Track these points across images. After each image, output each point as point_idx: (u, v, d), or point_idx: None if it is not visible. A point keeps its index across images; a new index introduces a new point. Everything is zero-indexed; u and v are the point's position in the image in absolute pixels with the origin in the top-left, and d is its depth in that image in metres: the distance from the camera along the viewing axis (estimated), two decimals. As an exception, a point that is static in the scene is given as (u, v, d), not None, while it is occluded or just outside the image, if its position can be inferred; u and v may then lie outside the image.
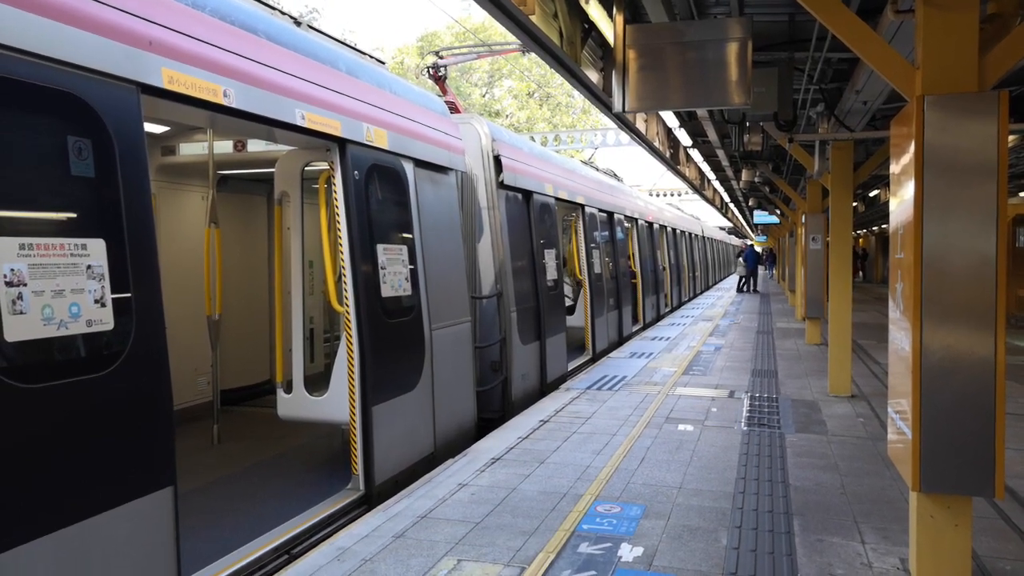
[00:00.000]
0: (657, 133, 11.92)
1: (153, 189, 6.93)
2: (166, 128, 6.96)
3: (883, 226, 34.32)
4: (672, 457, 6.18)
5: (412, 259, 6.15)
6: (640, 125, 10.52)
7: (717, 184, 20.17)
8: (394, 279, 5.82)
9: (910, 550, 3.88)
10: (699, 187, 20.27)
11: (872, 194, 22.94)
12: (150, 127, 6.71)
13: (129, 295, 3.32)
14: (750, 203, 24.39)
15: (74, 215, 3.17)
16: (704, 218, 40.55)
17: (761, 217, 28.35)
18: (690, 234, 27.20)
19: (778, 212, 25.40)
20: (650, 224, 18.39)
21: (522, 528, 4.63)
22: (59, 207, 3.12)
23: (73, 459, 3.05)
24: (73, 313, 3.06)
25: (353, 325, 5.35)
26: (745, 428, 7.17)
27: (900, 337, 3.80)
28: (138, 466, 3.36)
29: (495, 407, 8.31)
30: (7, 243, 2.85)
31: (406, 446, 5.91)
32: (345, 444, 5.54)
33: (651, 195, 37.85)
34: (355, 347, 5.34)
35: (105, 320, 3.20)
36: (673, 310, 21.58)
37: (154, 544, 3.45)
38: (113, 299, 3.24)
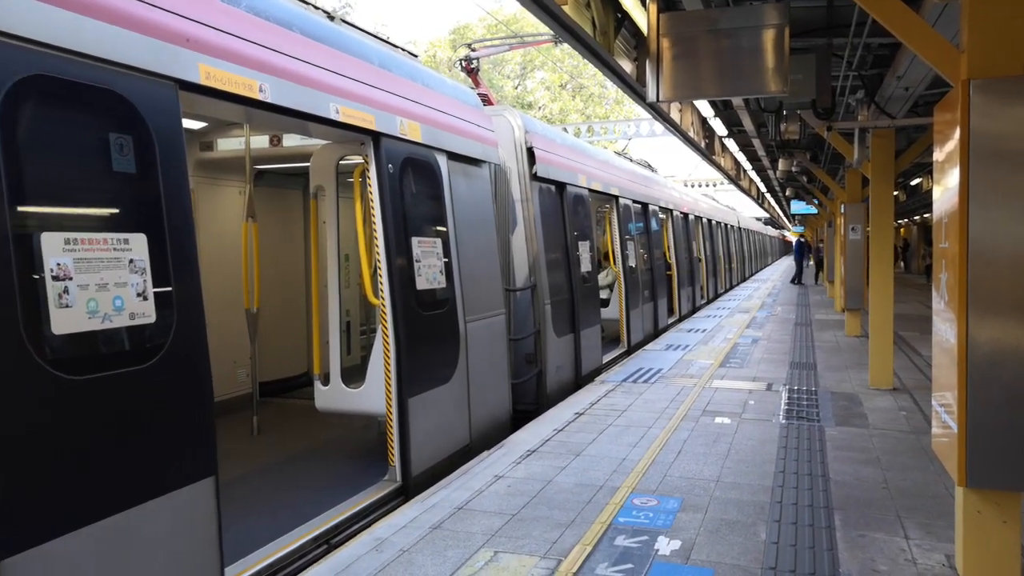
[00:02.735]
0: (692, 123, 11.78)
1: (192, 184, 7.06)
2: (204, 124, 7.06)
3: (926, 215, 33.56)
4: (709, 450, 6.13)
5: (446, 252, 6.17)
6: (674, 115, 10.40)
7: (753, 174, 19.90)
8: (429, 272, 5.84)
9: (956, 547, 3.79)
10: (735, 177, 20.02)
11: (914, 183, 22.44)
12: (188, 123, 6.81)
13: (170, 289, 3.38)
14: (787, 193, 24.01)
15: (116, 210, 3.23)
16: (740, 209, 40.01)
17: (798, 207, 27.92)
18: (726, 225, 26.88)
19: (816, 202, 24.98)
20: (685, 215, 18.21)
21: (558, 520, 4.63)
22: (102, 202, 3.18)
23: (118, 449, 3.12)
24: (117, 306, 3.12)
25: (388, 318, 5.38)
26: (783, 421, 7.08)
27: (944, 329, 3.71)
28: (180, 456, 3.42)
29: (530, 400, 8.32)
30: (53, 238, 2.91)
31: (442, 438, 5.94)
32: (382, 436, 5.59)
33: (686, 186, 37.46)
34: (391, 339, 5.38)
35: (147, 313, 3.26)
36: (709, 302, 21.36)
37: (197, 533, 3.51)
38: (155, 293, 3.30)
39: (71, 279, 2.94)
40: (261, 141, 7.06)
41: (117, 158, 3.20)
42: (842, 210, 13.71)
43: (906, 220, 40.25)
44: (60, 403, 2.89)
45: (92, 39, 3.11)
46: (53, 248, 2.90)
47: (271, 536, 4.48)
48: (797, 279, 28.65)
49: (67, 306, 2.92)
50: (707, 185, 48.49)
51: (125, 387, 3.16)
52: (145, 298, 3.25)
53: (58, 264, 2.91)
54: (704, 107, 9.87)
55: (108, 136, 3.18)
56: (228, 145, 7.32)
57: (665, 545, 4.23)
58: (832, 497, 4.99)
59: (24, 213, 2.85)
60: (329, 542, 4.63)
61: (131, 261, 3.20)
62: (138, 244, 3.24)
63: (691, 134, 11.69)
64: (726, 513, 4.72)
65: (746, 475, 5.47)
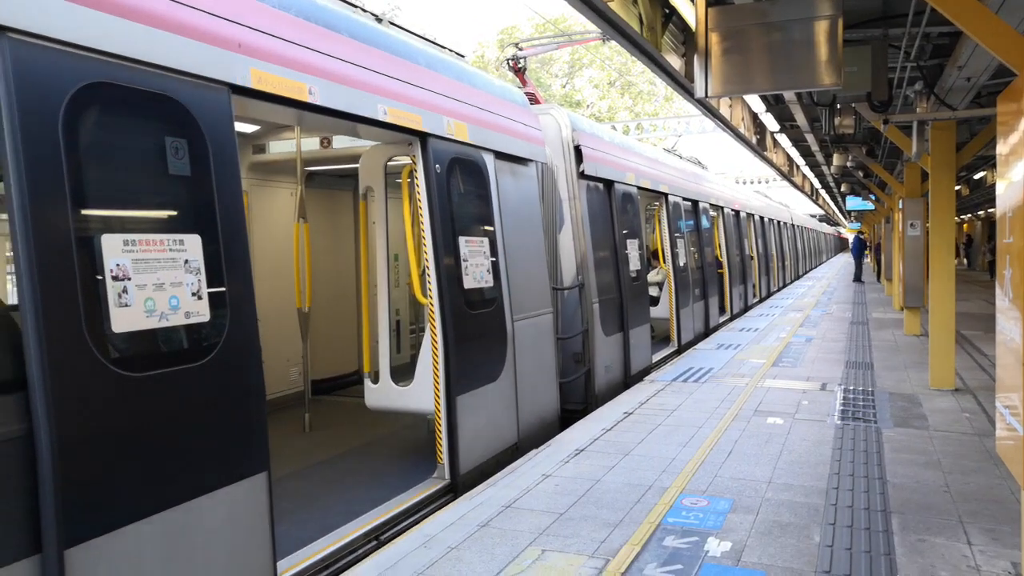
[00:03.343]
0: (742, 118, 11.58)
1: (245, 186, 7.22)
2: (256, 127, 7.22)
3: (990, 210, 32.37)
4: (761, 451, 6.01)
5: (493, 251, 6.18)
6: (724, 111, 10.24)
7: (807, 170, 19.45)
8: (476, 271, 5.86)
9: (1023, 554, 3.65)
10: (787, 173, 19.60)
11: (978, 176, 21.65)
12: (242, 126, 6.97)
13: (223, 288, 3.46)
14: (842, 189, 23.42)
15: (172, 212, 3.32)
16: (793, 205, 39.21)
17: (854, 203, 27.25)
18: (779, 222, 26.37)
19: (873, 198, 24.31)
20: (736, 212, 17.92)
21: (606, 520, 4.60)
22: (158, 205, 3.28)
23: (173, 445, 3.21)
24: (173, 305, 3.21)
25: (437, 317, 5.42)
26: (838, 422, 6.91)
27: (1010, 327, 3.57)
28: (234, 452, 3.51)
29: (578, 399, 8.28)
30: (113, 239, 3.01)
31: (490, 436, 5.96)
32: (431, 433, 5.64)
33: (737, 182, 36.87)
34: (439, 338, 5.42)
35: (202, 312, 3.35)
36: (762, 300, 20.98)
37: (250, 527, 3.59)
38: (209, 292, 3.39)
39: (130, 279, 3.04)
40: (312, 143, 7.18)
41: (173, 161, 3.30)
42: (900, 206, 13.32)
43: (969, 215, 38.90)
44: (119, 399, 2.99)
45: (150, 47, 3.21)
46: (113, 249, 3.00)
47: (322, 531, 4.55)
48: (857, 276, 27.98)
49: (126, 305, 3.02)
50: (759, 182, 47.63)
51: (180, 384, 3.25)
52: (200, 297, 3.34)
53: (117, 265, 3.00)
54: (755, 102, 9.69)
55: (164, 140, 3.27)
56: (280, 148, 7.48)
57: (715, 546, 4.17)
58: (890, 500, 4.85)
59: (86, 216, 2.96)
60: (379, 538, 4.69)
61: (186, 261, 3.29)
62: (193, 245, 3.33)
63: (741, 130, 11.50)
64: (778, 515, 4.63)
65: (799, 476, 5.36)
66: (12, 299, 2.82)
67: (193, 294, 3.31)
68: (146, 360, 3.12)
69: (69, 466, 2.77)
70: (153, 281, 3.13)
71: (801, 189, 26.10)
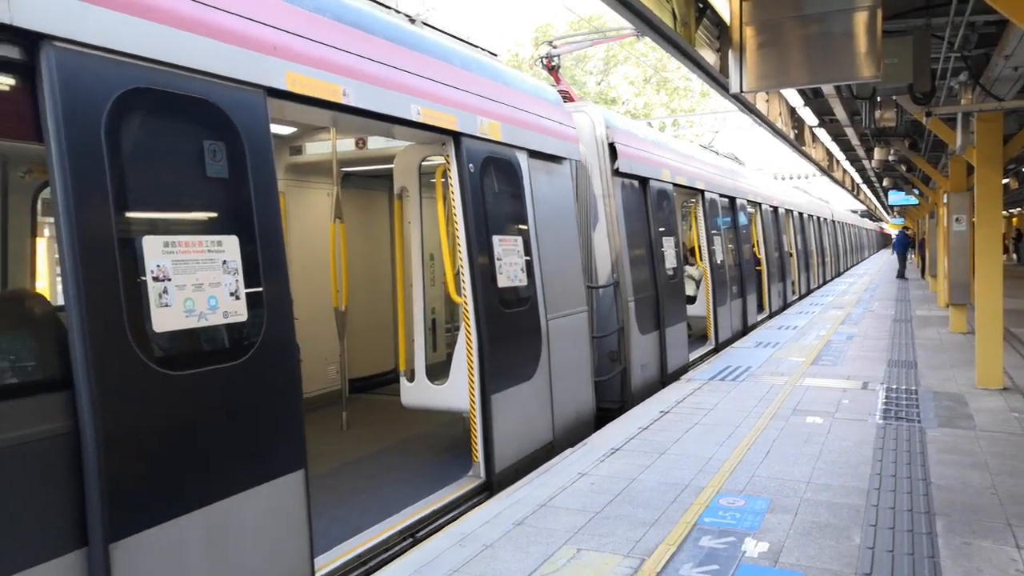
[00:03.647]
0: (780, 113, 11.41)
1: (282, 187, 7.32)
2: (293, 129, 7.31)
3: (1039, 203, 31.42)
4: (800, 450, 5.92)
5: (527, 249, 6.18)
6: (761, 106, 10.10)
7: (847, 165, 19.08)
8: (510, 270, 5.87)
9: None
10: (827, 168, 19.26)
11: (1026, 169, 21.03)
12: (279, 128, 7.07)
13: (260, 288, 3.52)
14: (884, 183, 22.92)
15: (210, 214, 3.39)
16: (833, 201, 38.49)
17: (897, 198, 26.65)
18: (818, 218, 25.91)
19: (916, 192, 23.76)
20: (775, 208, 17.66)
21: (642, 519, 4.57)
22: (197, 207, 3.35)
23: (213, 442, 3.27)
24: (211, 305, 3.27)
25: (471, 315, 5.44)
26: (880, 421, 6.77)
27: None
28: (272, 449, 3.56)
29: (614, 397, 8.24)
30: (154, 241, 3.08)
31: (525, 434, 5.96)
32: (466, 432, 5.66)
33: (775, 178, 36.33)
34: (473, 337, 5.44)
35: (239, 312, 3.41)
36: (801, 298, 20.64)
37: (288, 523, 3.65)
38: (246, 292, 3.44)
39: (170, 280, 3.11)
40: (347, 144, 7.26)
41: (210, 164, 3.36)
42: (945, 200, 13.00)
43: (1018, 209, 37.79)
44: (160, 397, 3.05)
45: (187, 52, 3.28)
46: (154, 251, 3.07)
47: (359, 528, 4.60)
48: (901, 273, 27.35)
49: (166, 305, 3.08)
50: (798, 177, 46.87)
51: (219, 382, 3.31)
52: (237, 297, 3.40)
53: (158, 266, 3.07)
54: (792, 96, 9.54)
55: (202, 143, 3.33)
56: (316, 149, 7.57)
57: (752, 547, 4.12)
58: (934, 502, 4.74)
59: (128, 218, 3.03)
60: (414, 535, 4.72)
61: (224, 262, 3.35)
62: (230, 246, 3.39)
63: (779, 125, 11.32)
64: (817, 516, 4.55)
65: (839, 477, 5.26)
66: (60, 300, 2.90)
67: (231, 294, 3.37)
68: (186, 359, 3.19)
69: (113, 462, 2.84)
70: (192, 282, 3.20)
71: (841, 184, 25.63)
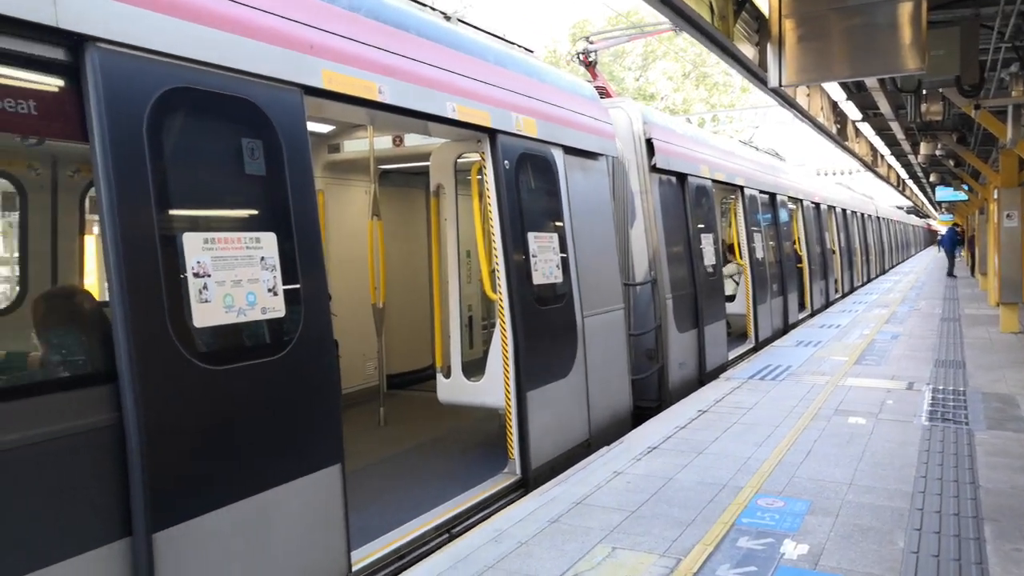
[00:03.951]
0: (822, 108, 11.19)
1: (321, 185, 7.41)
2: (331, 127, 7.39)
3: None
4: (841, 451, 5.81)
5: (563, 246, 6.16)
6: (802, 100, 9.92)
7: (892, 160, 18.67)
8: (545, 267, 5.85)
9: None
10: (871, 164, 18.85)
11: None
12: (317, 126, 7.15)
13: (298, 284, 3.56)
14: (931, 179, 22.38)
15: (248, 211, 3.44)
16: (878, 197, 37.67)
17: (944, 194, 25.99)
18: (862, 214, 25.38)
19: (965, 187, 23.14)
20: (817, 205, 17.34)
21: (678, 519, 4.53)
22: (236, 204, 3.40)
23: (252, 435, 3.32)
24: (250, 301, 3.32)
25: (506, 312, 5.44)
26: (926, 423, 6.60)
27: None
28: (309, 444, 3.61)
29: (651, 396, 8.18)
30: (194, 238, 3.14)
31: (561, 432, 5.95)
32: (502, 428, 5.66)
33: (818, 174, 35.69)
34: (508, 334, 5.44)
35: (277, 308, 3.46)
36: (844, 296, 20.24)
37: (325, 516, 3.69)
38: (284, 288, 3.49)
39: (209, 276, 3.16)
40: (384, 142, 7.31)
41: (249, 162, 3.41)
42: (995, 195, 12.63)
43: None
44: (200, 391, 3.11)
45: (226, 52, 3.33)
46: (194, 247, 3.13)
47: (395, 523, 4.63)
48: (950, 271, 26.66)
49: (206, 301, 3.14)
50: (841, 173, 45.96)
51: (257, 377, 3.36)
52: (275, 293, 3.44)
53: (198, 262, 3.13)
54: (834, 90, 9.36)
55: (241, 141, 3.39)
56: (354, 147, 7.64)
57: (791, 549, 4.05)
58: (982, 506, 4.60)
59: (170, 216, 3.09)
60: (450, 531, 4.74)
61: (262, 258, 3.39)
62: (268, 242, 3.44)
63: (820, 119, 11.11)
64: (859, 518, 4.46)
65: (882, 479, 5.15)
66: (107, 296, 2.97)
67: (269, 290, 3.41)
68: (225, 354, 3.24)
69: (156, 454, 2.90)
70: (231, 278, 3.25)
71: (886, 180, 25.06)
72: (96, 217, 5.42)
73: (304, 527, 3.57)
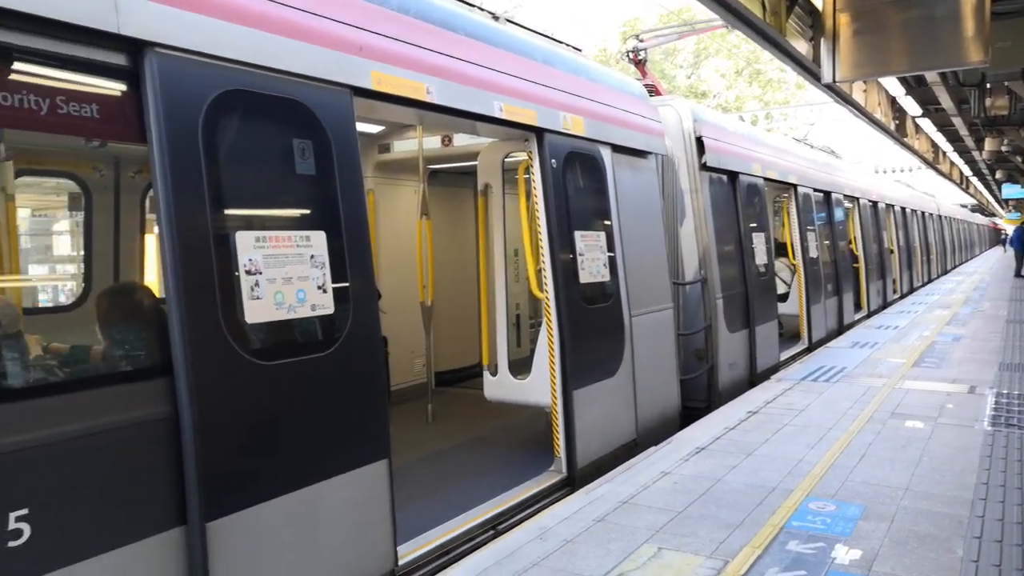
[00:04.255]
0: (879, 103, 10.90)
1: (371, 185, 7.52)
2: (381, 127, 7.49)
3: None
4: (897, 455, 5.65)
5: (610, 245, 6.14)
6: (858, 96, 9.67)
7: (954, 156, 18.09)
8: (592, 265, 5.84)
9: None
10: (932, 161, 18.30)
11: None
12: (367, 127, 7.26)
13: (347, 282, 3.63)
14: (997, 176, 21.61)
15: (299, 210, 3.52)
16: (939, 194, 36.48)
17: (1012, 191, 25.05)
18: (923, 213, 24.62)
19: (1033, 184, 22.26)
20: (874, 203, 16.89)
21: (726, 520, 4.47)
22: (286, 203, 3.48)
23: (301, 429, 3.40)
24: (300, 298, 3.40)
25: (552, 311, 5.45)
26: (988, 428, 6.37)
27: None
28: (357, 439, 3.67)
29: (700, 396, 8.09)
30: (246, 236, 3.22)
31: (607, 431, 5.92)
32: (548, 427, 5.67)
33: (876, 172, 34.75)
34: (555, 332, 5.44)
35: (326, 305, 3.53)
36: (903, 296, 19.67)
37: (372, 511, 3.75)
38: (333, 286, 3.56)
39: (261, 273, 3.24)
40: (434, 142, 7.38)
41: (299, 162, 3.49)
42: (1065, 192, 12.12)
43: None
44: (251, 386, 3.19)
45: (278, 55, 3.41)
46: (246, 246, 3.21)
47: (441, 519, 4.68)
48: (1018, 271, 25.65)
49: (258, 298, 3.22)
50: (900, 171, 44.65)
51: (306, 372, 3.43)
52: (325, 291, 3.51)
53: (250, 260, 3.21)
54: (893, 85, 9.11)
55: (292, 142, 3.46)
56: (403, 147, 7.73)
57: (843, 554, 3.96)
58: (1047, 514, 4.43)
59: (224, 215, 3.18)
60: (496, 528, 4.76)
61: (312, 256, 3.47)
62: (318, 241, 3.51)
63: (878, 116, 10.83)
64: (916, 524, 4.33)
65: (941, 485, 4.99)
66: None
67: (318, 287, 3.49)
68: (275, 349, 3.32)
69: (209, 446, 2.99)
70: (282, 275, 3.33)
71: (948, 177, 24.29)
72: (154, 216, 5.61)
73: (351, 521, 3.63)
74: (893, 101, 11.47)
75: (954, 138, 14.36)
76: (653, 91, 9.41)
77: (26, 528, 2.48)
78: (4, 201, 4.43)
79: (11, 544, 2.44)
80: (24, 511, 2.48)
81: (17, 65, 2.71)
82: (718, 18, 6.85)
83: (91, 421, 2.70)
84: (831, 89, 8.29)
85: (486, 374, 6.27)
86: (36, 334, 3.75)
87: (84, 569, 2.63)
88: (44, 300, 6.70)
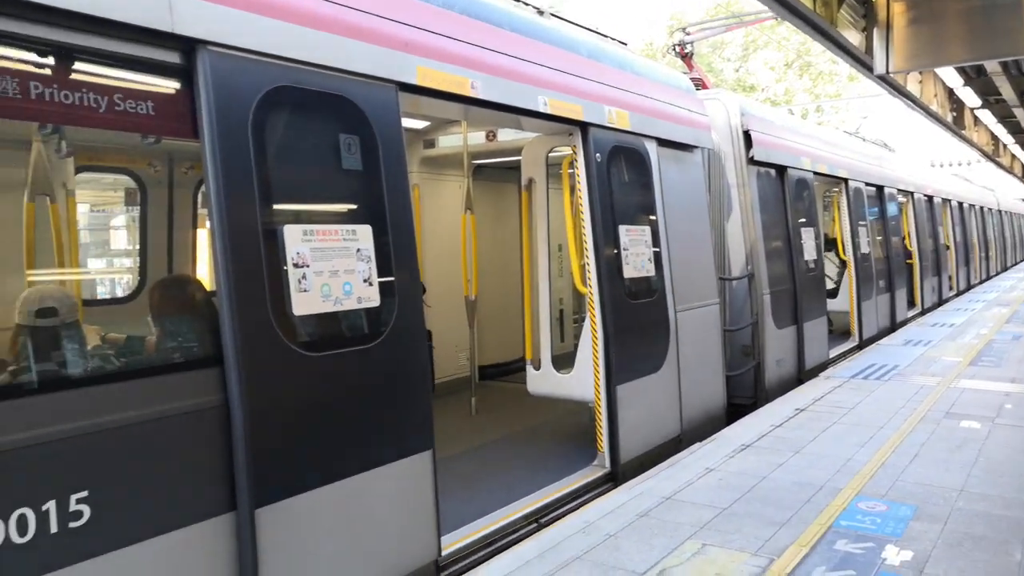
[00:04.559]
0: (935, 95, 10.57)
1: (416, 180, 7.59)
2: (427, 123, 7.54)
3: None
4: (952, 456, 5.50)
5: (655, 240, 6.08)
6: (913, 87, 9.40)
7: (1016, 149, 17.47)
8: (636, 260, 5.80)
9: None
10: (992, 154, 17.67)
11: None
12: (413, 122, 7.32)
13: (392, 276, 3.67)
14: (1061, 169, 20.77)
15: (345, 204, 3.58)
16: (1000, 189, 35.25)
17: (1076, 185, 24.04)
18: (981, 208, 23.84)
19: (1100, 177, 21.37)
20: (929, 198, 16.42)
21: (772, 518, 4.41)
22: (333, 198, 3.54)
23: (348, 420, 3.46)
24: (346, 291, 3.45)
25: (596, 306, 5.43)
26: (1049, 428, 6.17)
27: None
28: (401, 430, 3.72)
29: (747, 393, 7.98)
30: (295, 230, 3.29)
31: (651, 427, 5.89)
32: (591, 421, 5.66)
33: (932, 166, 33.74)
34: (598, 327, 5.42)
35: (372, 298, 3.57)
36: (959, 294, 19.09)
37: (416, 501, 3.79)
38: (378, 279, 3.61)
39: (308, 266, 3.31)
40: (478, 137, 7.41)
41: (346, 157, 3.54)
42: None
43: None
44: (299, 376, 3.26)
45: (326, 51, 3.47)
46: (294, 239, 3.28)
47: (485, 510, 4.71)
48: None
49: (305, 291, 3.28)
50: (958, 164, 43.27)
51: (352, 364, 3.48)
52: (370, 284, 3.56)
53: (298, 253, 3.28)
54: (950, 76, 8.83)
55: (339, 137, 3.52)
56: (448, 142, 7.78)
57: (894, 555, 3.87)
58: (1110, 518, 4.27)
59: (273, 209, 3.25)
60: (538, 521, 4.78)
61: (358, 250, 3.52)
62: (364, 235, 3.56)
63: (934, 108, 10.50)
64: (971, 527, 4.21)
65: (998, 486, 4.84)
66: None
67: (364, 280, 3.54)
68: (322, 341, 3.39)
69: (258, 434, 3.07)
70: (329, 268, 3.38)
71: (1009, 170, 23.41)
72: (206, 211, 5.76)
73: (396, 510, 3.68)
74: (950, 92, 11.11)
75: (1016, 130, 13.86)
76: (700, 85, 9.29)
77: (86, 510, 2.57)
78: (65, 197, 4.58)
79: (72, 525, 2.54)
80: (84, 493, 2.57)
81: (77, 65, 2.80)
82: (767, 10, 6.72)
83: (145, 409, 2.79)
84: (884, 81, 8.07)
85: (529, 368, 6.28)
86: (94, 325, 3.88)
87: (137, 551, 2.72)
88: (102, 292, 6.92)
